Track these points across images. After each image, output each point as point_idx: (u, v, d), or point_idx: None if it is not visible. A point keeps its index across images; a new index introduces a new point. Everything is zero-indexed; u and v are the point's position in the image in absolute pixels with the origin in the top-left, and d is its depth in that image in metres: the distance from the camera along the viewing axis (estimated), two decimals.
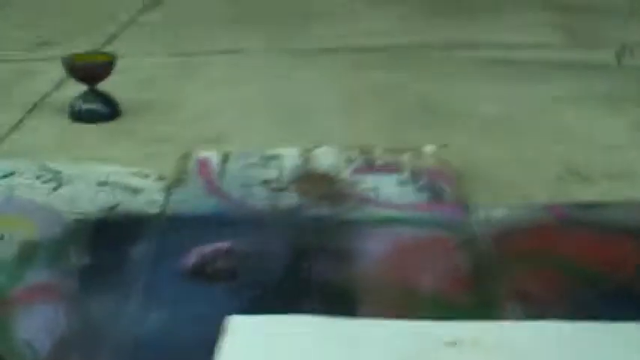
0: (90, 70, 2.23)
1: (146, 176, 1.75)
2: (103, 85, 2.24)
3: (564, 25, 2.96)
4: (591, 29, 2.91)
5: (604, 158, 1.87)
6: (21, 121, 2.19)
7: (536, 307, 1.30)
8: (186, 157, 1.83)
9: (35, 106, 2.30)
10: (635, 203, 1.61)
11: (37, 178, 1.73)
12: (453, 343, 1.19)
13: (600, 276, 1.37)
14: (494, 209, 1.59)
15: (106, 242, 1.51)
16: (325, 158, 1.79)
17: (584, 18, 3.06)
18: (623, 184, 1.75)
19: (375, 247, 1.48)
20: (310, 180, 1.72)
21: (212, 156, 1.82)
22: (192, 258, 1.44)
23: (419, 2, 3.39)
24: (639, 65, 2.50)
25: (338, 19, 3.19)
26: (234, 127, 2.12)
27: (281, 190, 1.69)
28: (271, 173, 1.75)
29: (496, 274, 1.39)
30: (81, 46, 2.59)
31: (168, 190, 1.69)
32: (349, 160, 1.79)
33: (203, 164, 1.78)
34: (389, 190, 1.69)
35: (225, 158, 1.81)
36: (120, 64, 2.27)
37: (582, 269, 1.39)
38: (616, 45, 2.64)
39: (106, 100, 2.22)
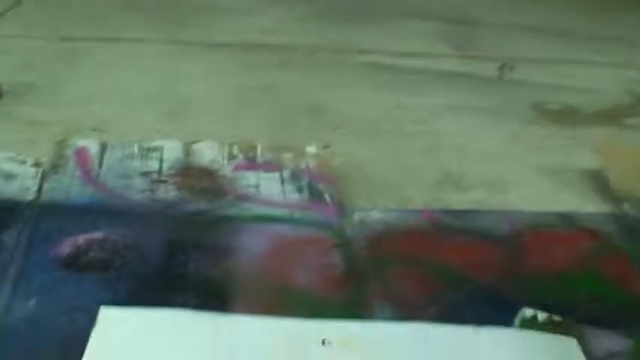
0: None
1: (22, 162, 1.70)
2: None
3: (450, 37, 3.03)
4: (475, 42, 3.00)
5: (479, 167, 1.93)
6: None
7: (405, 308, 1.33)
8: (63, 143, 1.79)
9: None
10: (503, 212, 1.67)
11: None
12: (323, 342, 1.21)
13: (468, 279, 1.41)
14: (370, 212, 1.62)
15: None
16: (207, 153, 1.79)
17: (468, 31, 3.15)
18: (496, 192, 1.81)
19: (251, 245, 1.48)
20: (190, 173, 1.71)
21: (90, 144, 1.78)
22: (65, 248, 1.41)
23: (318, 5, 3.42)
24: (519, 80, 2.59)
25: (235, 15, 3.18)
26: (115, 116, 2.09)
27: (160, 182, 1.67)
28: (151, 165, 1.73)
29: (368, 275, 1.41)
30: None
31: (44, 176, 1.65)
32: (231, 156, 1.78)
33: (81, 152, 1.75)
34: (269, 187, 1.69)
35: (103, 147, 1.77)
36: (1, 45, 2.20)
37: (451, 272, 1.43)
38: (498, 59, 2.72)
39: None
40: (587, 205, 1.77)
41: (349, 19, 3.23)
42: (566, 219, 1.65)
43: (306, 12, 3.30)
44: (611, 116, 2.34)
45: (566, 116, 2.32)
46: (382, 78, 2.55)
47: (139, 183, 1.67)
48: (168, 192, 1.64)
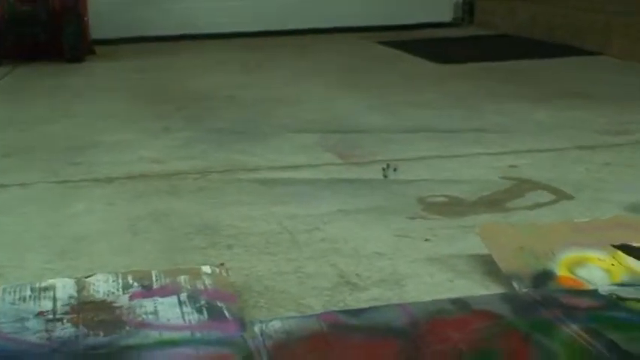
0: None
1: None
2: None
3: (333, 146, 3.14)
4: (357, 149, 3.11)
5: (373, 266, 1.98)
6: None
7: None
8: None
9: None
10: (399, 304, 1.71)
11: None
12: None
13: None
14: (270, 323, 1.63)
15: None
16: (101, 286, 1.78)
17: (349, 139, 3.27)
18: (392, 288, 1.86)
19: None
20: (86, 308, 1.70)
21: None
22: None
23: (200, 129, 3.49)
24: (403, 179, 2.68)
25: (117, 149, 3.21)
26: (7, 262, 2.07)
27: (56, 320, 1.65)
28: (45, 305, 1.71)
29: None
30: None
31: None
32: (126, 286, 1.78)
33: None
34: (168, 312, 1.69)
35: None
36: None
37: None
38: (381, 162, 2.82)
39: None
40: (478, 288, 1.83)
41: (234, 139, 3.30)
42: (461, 303, 1.70)
43: (190, 137, 3.37)
44: (493, 202, 2.44)
45: (451, 207, 2.41)
46: (271, 192, 2.61)
47: (34, 324, 1.64)
48: (64, 329, 1.62)
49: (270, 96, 4.30)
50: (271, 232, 2.24)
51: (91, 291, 1.76)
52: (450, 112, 3.70)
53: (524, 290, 1.76)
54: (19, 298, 1.73)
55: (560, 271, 1.81)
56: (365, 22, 6.83)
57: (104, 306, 1.71)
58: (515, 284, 1.79)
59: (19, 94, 4.67)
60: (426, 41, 6.21)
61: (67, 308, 1.70)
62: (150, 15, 6.64)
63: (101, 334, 1.62)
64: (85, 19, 5.83)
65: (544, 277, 1.80)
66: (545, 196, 2.47)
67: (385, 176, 2.72)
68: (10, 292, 1.75)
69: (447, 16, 7.05)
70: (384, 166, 2.77)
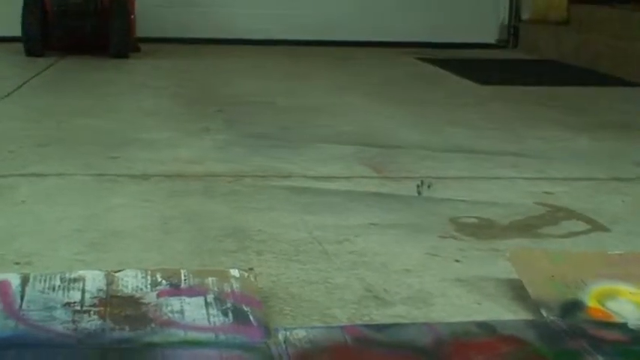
0: None
1: None
2: None
3: (368, 160, 3.13)
4: (393, 164, 3.10)
5: (401, 282, 1.97)
6: None
7: None
8: None
9: None
10: (425, 323, 1.70)
11: None
12: None
13: None
14: (294, 331, 1.63)
15: None
16: (130, 281, 1.79)
17: (385, 153, 3.26)
18: (419, 305, 1.85)
19: None
20: (114, 302, 1.71)
21: (11, 278, 1.77)
22: None
23: (237, 133, 3.50)
24: (436, 197, 2.67)
25: (155, 147, 3.23)
26: (39, 250, 2.09)
27: (83, 312, 1.66)
28: (74, 295, 1.72)
29: None
30: None
31: None
32: (155, 283, 1.79)
33: (1, 286, 1.73)
34: (194, 312, 1.70)
35: (25, 280, 1.76)
36: None
37: None
38: (416, 179, 2.81)
39: None
40: (506, 313, 1.82)
41: (270, 145, 3.31)
42: (486, 327, 1.69)
43: (227, 140, 3.38)
44: (526, 227, 2.43)
45: (483, 229, 2.40)
46: (304, 201, 2.61)
47: (61, 314, 1.66)
48: (91, 321, 1.64)
49: (309, 105, 4.31)
50: (301, 241, 2.24)
51: (120, 285, 1.77)
52: (489, 134, 3.68)
53: (552, 318, 1.75)
54: (49, 287, 1.75)
55: (590, 302, 1.80)
56: (408, 37, 6.82)
57: (131, 301, 1.72)
58: (543, 311, 1.78)
59: (61, 86, 4.73)
60: (469, 61, 6.19)
61: (95, 301, 1.71)
62: (194, 17, 6.69)
63: (127, 329, 1.63)
64: (132, 16, 5.89)
65: (573, 306, 1.79)
66: (580, 226, 2.45)
67: (419, 193, 2.71)
68: (40, 281, 1.77)
69: (491, 38, 7.03)
70: (419, 182, 2.76)
